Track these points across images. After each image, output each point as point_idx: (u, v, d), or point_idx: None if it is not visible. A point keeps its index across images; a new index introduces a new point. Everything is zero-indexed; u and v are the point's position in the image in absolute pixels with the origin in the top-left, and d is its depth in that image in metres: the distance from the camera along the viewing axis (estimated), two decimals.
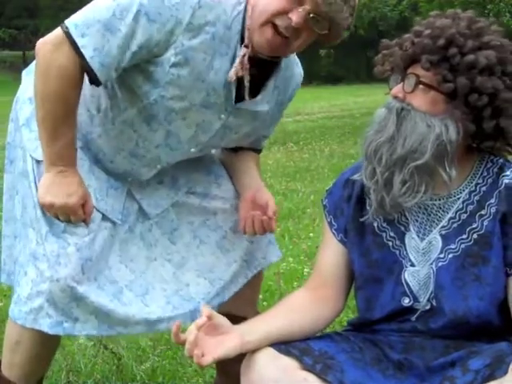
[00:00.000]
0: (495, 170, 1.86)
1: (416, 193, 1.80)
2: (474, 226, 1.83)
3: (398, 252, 1.88)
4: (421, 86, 1.79)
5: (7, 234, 2.26)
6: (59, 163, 2.01)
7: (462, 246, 1.83)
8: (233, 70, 2.00)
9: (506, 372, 1.63)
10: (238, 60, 2.00)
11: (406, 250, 1.87)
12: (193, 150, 2.16)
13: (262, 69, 2.06)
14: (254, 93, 2.07)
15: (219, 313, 1.84)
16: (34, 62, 2.16)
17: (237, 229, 2.27)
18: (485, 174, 1.86)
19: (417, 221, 1.87)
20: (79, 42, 1.91)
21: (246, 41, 1.99)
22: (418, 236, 1.87)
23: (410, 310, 1.85)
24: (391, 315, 1.88)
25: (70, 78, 1.93)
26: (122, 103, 2.06)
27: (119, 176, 2.18)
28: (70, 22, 1.93)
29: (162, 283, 2.20)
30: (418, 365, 1.80)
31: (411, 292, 1.85)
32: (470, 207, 1.84)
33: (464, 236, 1.83)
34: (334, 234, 1.96)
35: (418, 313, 1.85)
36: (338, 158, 8.85)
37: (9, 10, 37.50)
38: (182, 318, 2.16)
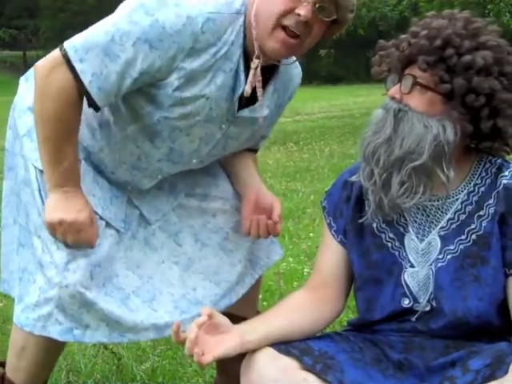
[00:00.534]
0: (493, 170, 1.86)
1: (414, 194, 1.80)
2: (472, 226, 1.83)
3: (397, 253, 1.88)
4: (418, 87, 1.78)
5: (4, 242, 2.26)
6: (64, 185, 2.01)
7: (461, 246, 1.83)
8: (248, 84, 2.00)
9: (506, 372, 1.63)
10: (251, 73, 1.99)
11: (405, 251, 1.87)
12: (194, 161, 2.16)
13: (262, 75, 2.05)
14: (253, 99, 2.07)
15: (219, 312, 1.84)
16: (31, 70, 2.16)
17: (238, 229, 2.27)
18: (483, 174, 1.86)
19: (416, 222, 1.87)
20: (78, 66, 1.90)
21: (257, 52, 1.97)
22: (417, 237, 1.87)
23: (410, 311, 1.86)
24: (391, 316, 1.88)
25: (69, 100, 1.93)
26: (124, 120, 2.05)
27: (120, 185, 2.18)
28: (69, 44, 1.92)
29: (169, 288, 2.20)
30: (418, 365, 1.80)
31: (411, 293, 1.85)
32: (469, 208, 1.84)
33: (463, 237, 1.83)
34: (333, 235, 1.96)
35: (418, 314, 1.85)
36: (338, 158, 8.85)
37: (9, 10, 37.48)
38: (190, 322, 2.15)
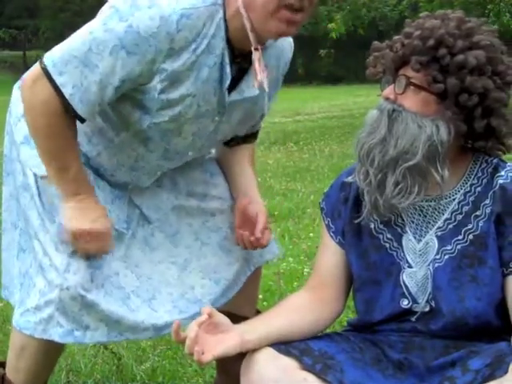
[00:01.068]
0: (490, 170, 1.86)
1: (409, 194, 1.80)
2: (469, 226, 1.83)
3: (395, 254, 1.88)
4: (411, 87, 1.79)
5: (4, 247, 2.26)
6: (77, 192, 2.01)
7: (458, 246, 1.83)
8: (257, 78, 1.96)
9: (506, 372, 1.64)
10: (256, 66, 1.96)
11: (403, 251, 1.87)
12: (190, 153, 2.16)
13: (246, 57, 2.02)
14: (238, 81, 2.03)
15: (219, 311, 1.84)
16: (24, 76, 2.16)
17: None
18: (479, 174, 1.86)
19: (413, 222, 1.87)
20: (57, 80, 1.89)
21: (254, 44, 1.94)
22: (415, 237, 1.87)
23: (410, 311, 1.86)
24: (391, 317, 1.88)
25: (56, 112, 1.92)
26: (116, 127, 2.04)
27: (120, 185, 2.18)
28: (47, 58, 1.91)
29: (167, 287, 2.20)
30: (418, 365, 1.80)
31: (410, 293, 1.85)
32: (465, 208, 1.84)
33: (460, 237, 1.83)
34: (331, 236, 1.96)
35: (418, 314, 1.85)
36: (338, 158, 8.84)
37: (9, 10, 37.47)
38: (189, 321, 2.16)
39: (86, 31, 1.90)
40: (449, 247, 1.83)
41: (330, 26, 12.22)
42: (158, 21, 1.84)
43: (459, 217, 1.84)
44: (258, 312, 2.32)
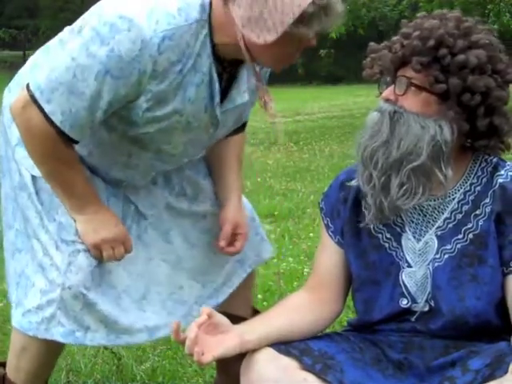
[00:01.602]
0: (489, 169, 1.86)
1: (414, 195, 1.80)
2: (469, 225, 1.83)
3: (394, 253, 1.88)
4: (412, 88, 1.79)
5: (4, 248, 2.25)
6: (87, 206, 2.02)
7: (458, 246, 1.83)
8: (260, 92, 1.95)
9: (506, 372, 1.64)
10: (257, 80, 1.95)
11: (402, 251, 1.87)
12: (185, 160, 2.16)
13: (233, 65, 2.00)
14: (227, 89, 2.02)
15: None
16: (14, 80, 2.15)
17: None
18: (479, 173, 1.86)
19: (412, 222, 1.87)
20: (46, 108, 1.87)
21: (249, 61, 1.91)
22: (414, 237, 1.87)
23: (409, 311, 1.85)
24: (390, 317, 1.87)
25: (50, 137, 1.91)
26: (107, 129, 2.02)
27: (115, 183, 2.17)
28: (34, 84, 1.89)
29: (156, 286, 2.20)
30: (418, 365, 1.80)
31: (409, 293, 1.85)
32: (465, 207, 1.84)
33: (460, 236, 1.83)
34: (330, 236, 1.96)
35: (418, 314, 1.84)
36: (338, 158, 8.84)
37: (9, 10, 37.44)
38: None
39: (67, 56, 1.86)
40: (448, 246, 1.83)
41: None
42: (140, 44, 1.81)
43: (459, 216, 1.84)
44: (258, 312, 2.32)
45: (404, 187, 1.79)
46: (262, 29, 1.80)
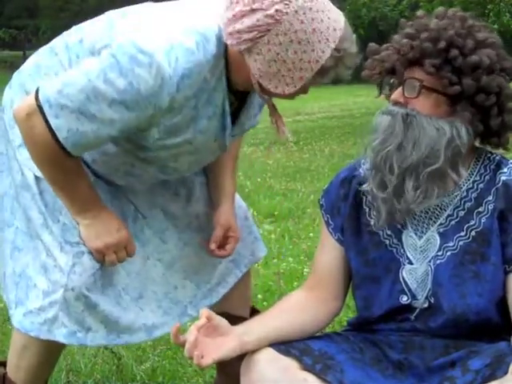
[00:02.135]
0: (492, 166, 1.86)
1: (429, 198, 1.79)
2: (471, 223, 1.83)
3: (395, 250, 1.87)
4: (423, 90, 1.78)
5: None
6: (90, 209, 2.01)
7: (460, 243, 1.83)
8: (273, 117, 1.97)
9: (506, 372, 1.64)
10: (270, 109, 1.97)
11: (403, 248, 1.87)
12: (188, 174, 2.17)
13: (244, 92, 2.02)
14: (237, 112, 2.04)
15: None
16: (14, 77, 2.14)
17: None
18: (482, 171, 1.86)
19: (414, 219, 1.87)
20: (52, 122, 1.85)
21: (264, 97, 1.92)
22: (416, 234, 1.86)
23: (409, 307, 1.85)
24: (390, 313, 1.87)
25: (51, 147, 1.89)
26: (113, 145, 2.01)
27: (117, 186, 2.16)
28: (43, 96, 1.85)
29: (153, 285, 2.20)
30: (418, 365, 1.80)
31: (409, 290, 1.85)
32: (468, 204, 1.84)
33: (462, 233, 1.83)
34: (330, 233, 1.95)
35: (417, 311, 1.84)
36: (338, 158, 8.83)
37: (9, 10, 37.43)
38: (172, 322, 2.16)
39: (84, 76, 1.83)
40: (451, 244, 1.83)
41: None
42: (160, 81, 1.79)
43: (461, 213, 1.84)
44: (258, 312, 2.32)
45: (419, 190, 1.78)
46: (280, 82, 1.83)
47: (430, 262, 1.84)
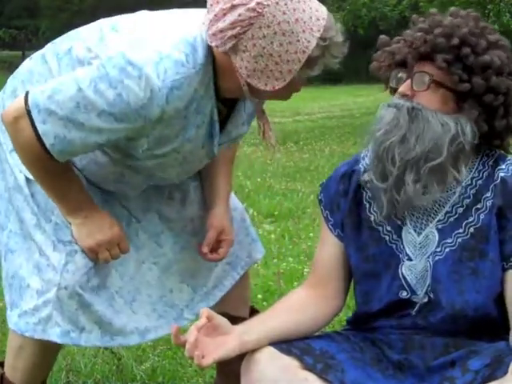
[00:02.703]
0: (491, 163, 1.86)
1: (429, 192, 1.79)
2: (470, 219, 1.83)
3: (394, 246, 1.87)
4: (432, 85, 1.78)
5: None
6: (81, 208, 2.01)
7: (459, 239, 1.83)
8: (260, 121, 1.99)
9: (505, 372, 1.64)
10: (258, 113, 1.99)
11: (402, 244, 1.87)
12: (177, 181, 2.17)
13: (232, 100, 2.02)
14: (225, 119, 2.03)
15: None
16: (8, 82, 2.13)
17: None
18: (480, 167, 1.86)
19: (413, 215, 1.86)
20: (40, 128, 1.84)
21: (253, 99, 1.94)
22: (415, 230, 1.86)
23: (408, 302, 1.85)
24: (390, 308, 1.87)
25: (37, 151, 1.88)
26: (101, 153, 2.02)
27: (109, 191, 2.16)
28: (33, 101, 1.85)
29: (148, 289, 2.19)
30: (418, 365, 1.80)
31: (409, 285, 1.85)
32: (466, 201, 1.84)
33: (460, 230, 1.83)
34: (330, 229, 1.95)
35: (418, 306, 1.84)
36: (338, 158, 8.82)
37: (9, 10, 37.42)
38: (166, 326, 2.16)
39: (75, 84, 1.83)
40: (449, 240, 1.83)
41: None
42: (149, 93, 1.79)
43: (460, 210, 1.84)
44: (258, 312, 2.32)
45: (419, 184, 1.78)
46: (270, 78, 1.82)
47: (428, 258, 1.84)
